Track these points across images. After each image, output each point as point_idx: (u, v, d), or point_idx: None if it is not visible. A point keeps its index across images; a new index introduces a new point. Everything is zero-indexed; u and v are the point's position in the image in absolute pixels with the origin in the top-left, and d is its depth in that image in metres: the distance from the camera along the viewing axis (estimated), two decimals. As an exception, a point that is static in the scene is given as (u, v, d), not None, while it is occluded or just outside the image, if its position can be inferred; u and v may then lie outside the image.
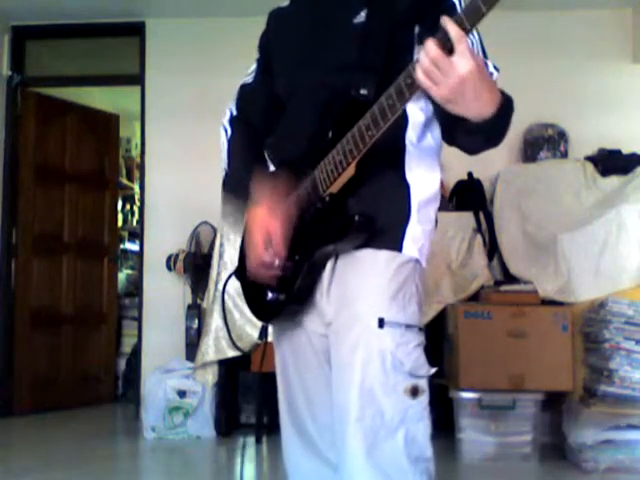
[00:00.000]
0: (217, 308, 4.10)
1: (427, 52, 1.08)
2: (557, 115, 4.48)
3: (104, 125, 5.69)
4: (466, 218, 4.16)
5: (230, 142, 1.61)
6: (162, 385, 4.16)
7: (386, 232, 1.34)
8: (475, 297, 3.95)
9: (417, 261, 1.37)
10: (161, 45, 4.96)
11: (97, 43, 5.17)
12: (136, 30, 4.99)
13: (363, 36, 1.38)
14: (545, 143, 4.40)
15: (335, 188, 1.34)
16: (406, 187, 1.38)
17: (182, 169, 4.84)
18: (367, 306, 1.31)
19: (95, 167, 5.58)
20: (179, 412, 4.14)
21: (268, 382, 4.14)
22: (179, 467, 3.79)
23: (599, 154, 4.30)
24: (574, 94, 4.61)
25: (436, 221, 1.46)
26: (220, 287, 4.12)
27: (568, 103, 4.58)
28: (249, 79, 1.64)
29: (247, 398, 4.33)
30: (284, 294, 1.42)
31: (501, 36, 4.48)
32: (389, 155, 1.36)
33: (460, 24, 1.06)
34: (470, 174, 4.39)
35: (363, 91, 1.30)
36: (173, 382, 4.17)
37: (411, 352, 1.30)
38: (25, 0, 4.72)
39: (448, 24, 1.06)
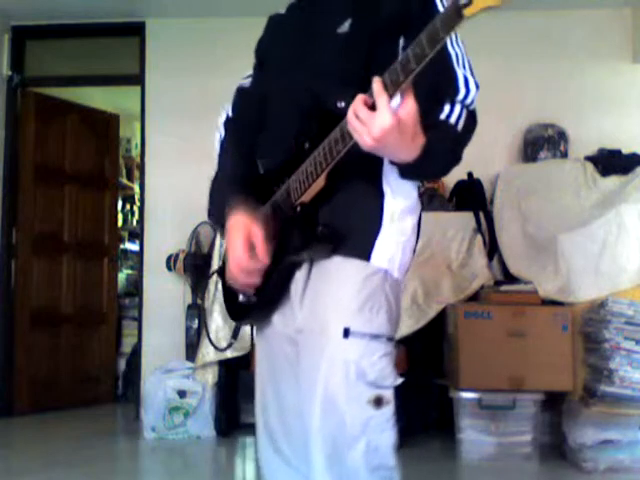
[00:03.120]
0: (217, 308, 4.10)
1: (352, 106, 1.18)
2: (557, 115, 4.48)
3: (104, 125, 5.69)
4: (466, 218, 4.16)
5: (222, 145, 1.64)
6: (162, 385, 4.16)
7: (356, 241, 1.35)
8: (475, 297, 3.95)
9: (386, 271, 1.36)
10: (161, 45, 4.96)
11: (97, 43, 5.17)
12: (136, 30, 4.99)
13: (345, 47, 1.40)
14: (545, 143, 4.40)
15: (306, 198, 1.36)
16: (380, 197, 1.38)
17: (182, 169, 4.84)
18: (333, 315, 1.31)
19: (95, 167, 5.57)
20: (179, 412, 4.14)
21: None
22: (179, 467, 3.79)
23: (599, 154, 4.30)
24: (574, 94, 4.61)
25: (418, 232, 1.45)
26: (220, 287, 4.12)
27: (568, 103, 4.58)
28: (246, 83, 1.67)
29: (247, 398, 4.32)
30: (254, 297, 1.46)
31: (501, 36, 4.50)
32: (366, 165, 1.35)
33: (385, 81, 1.15)
34: (470, 174, 4.39)
35: (340, 104, 1.30)
36: (173, 382, 4.17)
37: (376, 362, 1.30)
38: (25, 0, 4.73)
39: (374, 82, 1.16)
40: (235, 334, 1.59)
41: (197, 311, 4.51)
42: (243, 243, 1.40)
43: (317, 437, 1.29)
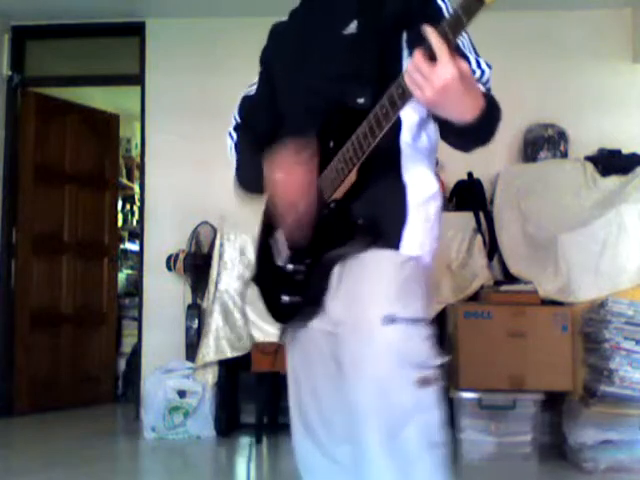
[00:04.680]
0: (217, 308, 4.11)
1: (412, 60, 1.17)
2: (557, 115, 4.48)
3: (104, 125, 5.69)
4: (466, 218, 4.16)
5: (237, 145, 1.68)
6: (162, 385, 4.16)
7: (386, 232, 1.40)
8: (475, 297, 3.95)
9: (418, 258, 1.42)
10: (161, 45, 4.96)
11: (97, 43, 5.17)
12: (136, 30, 4.99)
13: (355, 47, 1.44)
14: (545, 143, 4.39)
15: (339, 194, 1.40)
16: (403, 187, 1.43)
17: (182, 169, 4.84)
18: (373, 305, 1.36)
19: (95, 167, 5.58)
20: (179, 412, 4.14)
21: (268, 382, 4.16)
22: (179, 467, 3.79)
23: (599, 154, 4.30)
24: (574, 94, 4.61)
25: (440, 218, 1.50)
26: (220, 287, 4.12)
27: (568, 103, 4.58)
28: (251, 91, 1.71)
29: (247, 398, 4.33)
30: (299, 297, 1.50)
31: (501, 36, 4.49)
32: (386, 158, 1.40)
33: (443, 34, 1.14)
34: (470, 174, 4.39)
35: (360, 100, 1.36)
36: (173, 382, 4.17)
37: (418, 345, 1.36)
38: (25, 0, 4.73)
39: (431, 35, 1.14)
40: (282, 336, 1.63)
41: (197, 311, 4.51)
42: (287, 177, 1.42)
43: (370, 422, 1.33)
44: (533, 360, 3.53)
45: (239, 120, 1.71)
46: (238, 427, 4.35)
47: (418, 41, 1.19)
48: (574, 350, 3.58)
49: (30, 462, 3.65)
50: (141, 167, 5.08)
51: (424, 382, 1.34)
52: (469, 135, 1.30)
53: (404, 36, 1.42)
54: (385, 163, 1.41)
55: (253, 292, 4.56)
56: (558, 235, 3.85)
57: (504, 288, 3.85)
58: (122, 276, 6.46)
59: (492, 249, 4.13)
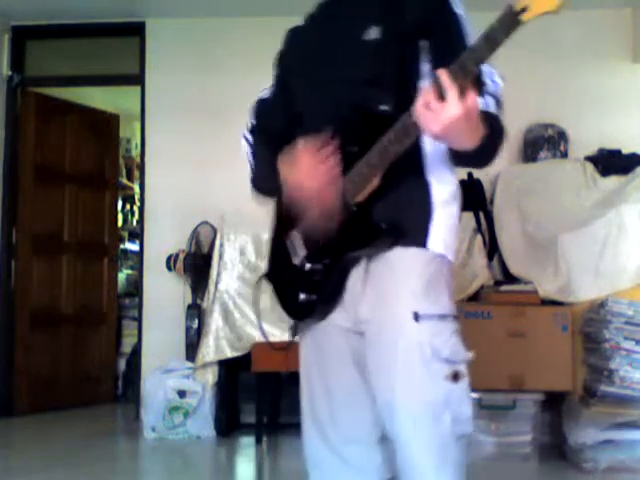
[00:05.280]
0: (217, 308, 4.11)
1: (422, 96, 1.25)
2: (557, 115, 4.48)
3: (104, 125, 5.69)
4: (466, 218, 4.15)
5: (252, 147, 1.69)
6: (162, 385, 4.16)
7: (412, 231, 1.44)
8: (475, 297, 3.94)
9: (443, 255, 1.47)
10: (161, 45, 4.96)
11: (97, 43, 5.17)
12: (136, 30, 4.99)
13: (378, 53, 1.47)
14: (545, 143, 4.39)
15: (362, 198, 1.44)
16: (426, 187, 1.48)
17: (182, 169, 4.84)
18: (401, 302, 1.40)
19: (95, 167, 5.58)
20: (179, 412, 4.14)
21: (268, 382, 4.16)
22: (179, 467, 3.79)
23: (599, 154, 4.30)
24: (574, 94, 4.61)
25: (459, 218, 1.55)
26: (220, 287, 4.12)
27: (568, 103, 4.58)
28: (266, 95, 1.73)
29: (247, 398, 4.33)
30: (315, 295, 1.52)
31: (501, 36, 4.49)
32: (408, 160, 1.43)
33: (455, 72, 1.22)
34: (470, 174, 4.38)
35: (383, 107, 1.40)
36: (173, 382, 4.17)
37: (447, 340, 1.41)
38: (25, 0, 4.73)
39: (442, 75, 1.22)
40: (294, 332, 1.66)
41: (197, 311, 4.51)
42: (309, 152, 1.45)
43: (405, 417, 1.38)
44: (533, 360, 3.52)
45: (254, 123, 1.72)
46: (238, 427, 4.35)
47: (435, 52, 1.31)
48: (574, 350, 3.58)
49: (30, 462, 3.65)
50: (141, 167, 5.08)
51: (455, 376, 1.40)
52: (469, 159, 1.40)
53: (422, 43, 1.46)
54: (408, 165, 1.44)
55: (251, 291, 4.52)
56: (558, 235, 3.85)
57: (504, 288, 3.85)
58: (122, 276, 6.46)
59: (492, 249, 4.13)
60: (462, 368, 1.43)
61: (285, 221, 1.60)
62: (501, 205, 4.19)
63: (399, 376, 1.38)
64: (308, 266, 1.52)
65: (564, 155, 4.40)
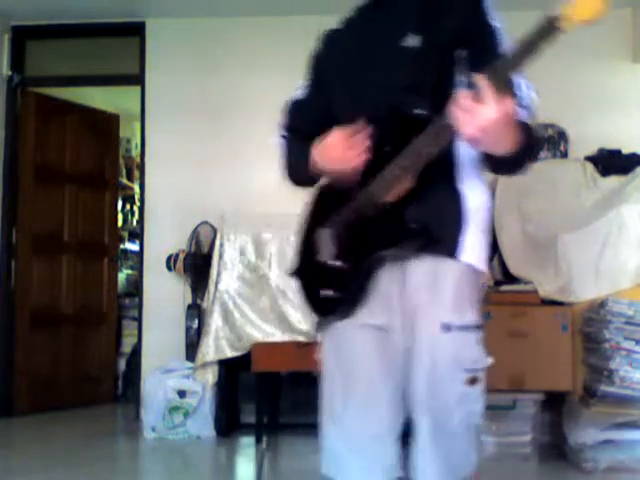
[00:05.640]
0: (217, 308, 4.10)
1: (459, 98, 1.28)
2: (557, 115, 4.47)
3: (104, 125, 5.69)
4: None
5: (287, 143, 1.75)
6: (162, 385, 4.16)
7: (444, 240, 1.49)
8: (475, 297, 3.93)
9: (475, 267, 1.53)
10: (161, 45, 4.96)
11: (97, 43, 5.17)
12: (136, 30, 4.99)
13: (418, 60, 1.52)
14: (545, 143, 4.39)
15: (393, 198, 1.47)
16: (459, 196, 1.52)
17: (182, 169, 4.84)
18: (432, 313, 1.49)
19: (95, 167, 5.58)
20: (179, 412, 4.14)
21: (268, 382, 4.15)
22: (179, 467, 3.79)
23: (599, 154, 4.29)
24: (574, 94, 4.61)
25: (490, 226, 1.60)
26: (220, 287, 4.12)
27: (568, 103, 4.58)
28: (299, 95, 1.77)
29: (247, 398, 4.33)
30: (339, 292, 1.57)
31: (501, 36, 4.49)
32: (441, 167, 1.47)
33: (493, 74, 1.26)
34: (470, 174, 4.39)
35: (418, 111, 1.44)
36: (173, 382, 4.17)
37: (472, 350, 1.51)
38: (25, 0, 4.73)
39: (479, 78, 1.26)
40: (317, 329, 1.70)
41: (197, 311, 4.51)
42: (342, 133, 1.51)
43: (426, 413, 1.51)
44: (533, 360, 3.52)
45: (289, 123, 1.77)
46: (238, 427, 4.35)
47: (472, 62, 1.37)
48: (574, 350, 3.58)
49: (30, 462, 3.65)
50: (141, 167, 5.09)
51: (472, 381, 1.51)
52: (503, 165, 1.43)
53: (460, 52, 1.52)
54: (440, 172, 1.48)
55: (251, 291, 4.48)
56: (558, 235, 3.85)
57: (504, 288, 3.85)
58: (122, 276, 6.46)
59: (492, 249, 4.13)
60: (480, 374, 1.53)
61: (315, 218, 1.65)
62: (501, 205, 4.18)
63: (424, 378, 1.49)
64: (335, 263, 1.57)
65: (564, 155, 4.40)
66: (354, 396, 1.58)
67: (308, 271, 1.66)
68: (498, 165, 1.44)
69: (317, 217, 1.64)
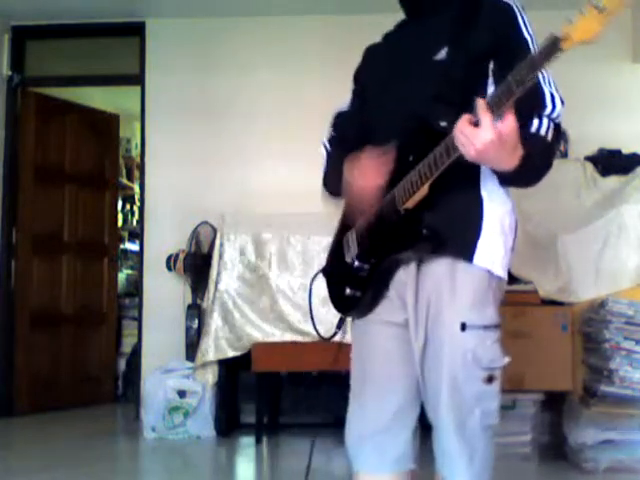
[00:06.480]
0: (217, 308, 4.11)
1: (459, 124, 1.36)
2: (557, 115, 4.48)
3: (104, 125, 5.69)
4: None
5: (328, 154, 1.85)
6: (162, 385, 4.16)
7: (462, 245, 1.57)
8: (475, 297, 3.93)
9: (490, 271, 1.60)
10: (161, 45, 4.96)
11: (97, 43, 5.17)
12: (136, 30, 5.00)
13: (444, 72, 1.58)
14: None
15: (410, 204, 1.54)
16: (479, 202, 1.59)
17: (182, 169, 4.84)
18: (451, 313, 1.55)
19: (95, 167, 5.58)
20: (179, 412, 4.14)
21: (268, 382, 4.15)
22: (179, 467, 3.79)
23: (599, 154, 4.29)
24: (574, 94, 4.55)
25: (515, 230, 1.68)
26: (220, 287, 4.12)
27: (568, 103, 4.53)
28: (344, 107, 1.87)
29: (247, 398, 4.33)
30: (360, 291, 1.66)
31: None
32: (466, 172, 1.53)
33: (489, 102, 1.33)
34: (470, 174, 4.39)
35: (442, 123, 1.50)
36: (173, 382, 4.17)
37: (489, 348, 1.59)
38: (25, 0, 4.73)
39: (478, 102, 1.34)
40: (339, 325, 1.82)
41: (197, 311, 4.51)
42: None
43: (446, 409, 1.56)
44: (533, 360, 3.52)
45: (333, 134, 1.87)
46: (238, 427, 4.35)
47: (500, 74, 1.40)
48: (574, 350, 3.58)
49: (30, 462, 3.66)
50: (141, 167, 5.09)
51: (489, 379, 1.58)
52: (511, 180, 1.52)
53: (490, 65, 1.57)
54: (464, 177, 1.55)
55: (250, 291, 4.48)
56: (558, 235, 3.85)
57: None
58: (122, 276, 6.46)
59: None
60: (497, 372, 1.60)
61: (346, 221, 1.76)
62: (501, 205, 4.18)
63: (444, 376, 1.55)
64: (357, 264, 1.66)
65: (564, 155, 4.40)
66: (371, 388, 1.67)
67: (334, 270, 1.77)
68: (506, 180, 1.52)
69: (348, 220, 1.74)
